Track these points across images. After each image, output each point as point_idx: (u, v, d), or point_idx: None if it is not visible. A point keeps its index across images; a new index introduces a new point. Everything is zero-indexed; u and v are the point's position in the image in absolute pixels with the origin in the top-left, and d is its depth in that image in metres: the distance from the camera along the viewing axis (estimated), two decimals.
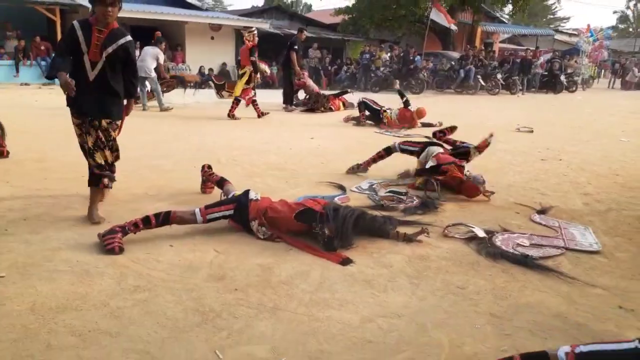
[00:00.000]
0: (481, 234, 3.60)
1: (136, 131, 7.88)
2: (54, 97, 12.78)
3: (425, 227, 3.57)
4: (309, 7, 53.38)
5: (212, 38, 20.06)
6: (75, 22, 3.56)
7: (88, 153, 3.70)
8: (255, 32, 9.70)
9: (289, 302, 2.57)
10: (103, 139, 3.67)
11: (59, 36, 16.52)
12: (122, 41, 3.59)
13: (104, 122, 3.65)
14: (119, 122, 3.82)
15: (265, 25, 21.01)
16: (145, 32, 18.49)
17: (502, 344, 2.27)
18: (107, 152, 3.71)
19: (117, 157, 3.83)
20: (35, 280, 2.69)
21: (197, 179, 4.56)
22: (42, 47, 16.31)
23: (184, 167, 5.47)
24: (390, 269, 3.03)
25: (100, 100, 3.61)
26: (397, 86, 9.94)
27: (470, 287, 2.84)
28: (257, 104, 9.99)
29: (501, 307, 2.62)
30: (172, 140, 7.25)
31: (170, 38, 18.16)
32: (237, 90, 9.77)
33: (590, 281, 2.96)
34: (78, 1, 16.09)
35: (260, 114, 10.00)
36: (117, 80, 3.66)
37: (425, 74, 18.98)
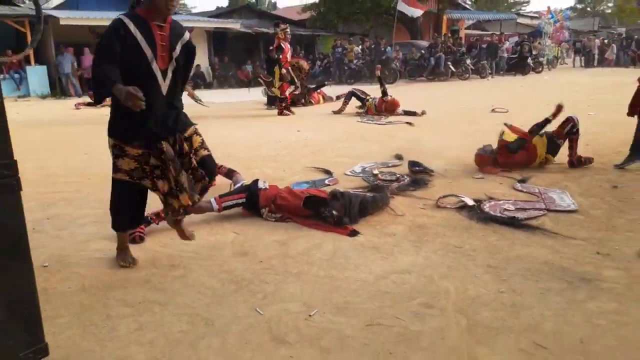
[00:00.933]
0: (470, 202, 3.97)
1: None
2: (34, 110, 12.82)
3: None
4: (273, 5, 53.46)
5: None
6: (122, 18, 2.57)
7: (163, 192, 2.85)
8: (287, 29, 9.93)
9: (310, 268, 2.89)
10: (189, 152, 2.80)
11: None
12: (186, 36, 2.79)
13: (189, 131, 2.84)
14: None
15: (237, 25, 21.18)
16: None
17: (499, 286, 2.63)
18: (183, 175, 2.80)
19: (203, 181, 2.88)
20: (76, 267, 2.95)
21: None
22: (14, 60, 16.18)
23: None
24: (394, 237, 3.37)
25: (175, 116, 2.80)
26: (378, 73, 10.30)
27: (466, 246, 3.20)
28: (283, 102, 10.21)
29: (495, 259, 2.98)
30: None
31: None
32: (275, 90, 10.04)
33: (571, 234, 3.36)
34: (47, 12, 16.02)
35: (281, 112, 10.16)
36: (182, 89, 2.89)
37: (397, 64, 19.44)
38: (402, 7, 20.36)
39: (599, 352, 2.04)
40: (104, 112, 11.69)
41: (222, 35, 21.67)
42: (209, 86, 19.89)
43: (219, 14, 26.58)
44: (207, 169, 2.86)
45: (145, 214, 3.50)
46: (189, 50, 2.81)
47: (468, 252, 3.11)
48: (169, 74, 2.70)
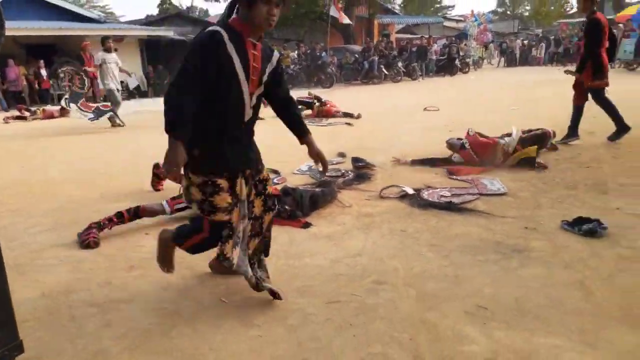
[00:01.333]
0: (411, 191, 4.26)
1: (72, 146, 7.93)
2: None
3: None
4: (205, 12, 52.91)
5: (116, 50, 19.62)
6: (218, 30, 2.14)
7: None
8: None
9: (269, 259, 3.03)
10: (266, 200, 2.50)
11: None
12: (276, 56, 2.42)
13: (265, 173, 2.53)
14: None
15: (170, 32, 20.90)
16: (44, 49, 17.83)
17: (442, 262, 2.89)
18: (268, 217, 2.55)
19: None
20: (34, 274, 2.95)
21: (145, 180, 4.87)
22: None
23: (129, 171, 5.71)
24: (344, 226, 3.58)
25: (252, 148, 2.46)
26: (309, 93, 10.75)
27: (410, 230, 3.46)
28: None
29: (437, 239, 3.26)
30: (109, 151, 7.37)
31: (72, 53, 17.67)
32: None
33: (502, 214, 3.70)
34: None
35: None
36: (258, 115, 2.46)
37: (332, 69, 19.87)
38: (334, 12, 20.86)
39: (531, 308, 2.33)
40: (35, 126, 11.33)
41: (155, 43, 21.30)
42: (144, 95, 19.48)
43: (150, 22, 26.07)
44: (270, 205, 2.56)
45: (98, 219, 3.55)
46: (277, 72, 2.42)
47: (412, 234, 3.37)
48: (254, 100, 2.34)
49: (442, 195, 4.17)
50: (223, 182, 2.28)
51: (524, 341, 2.06)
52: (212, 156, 2.25)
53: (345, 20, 21.60)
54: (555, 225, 3.38)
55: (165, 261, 2.64)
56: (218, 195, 2.27)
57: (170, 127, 2.07)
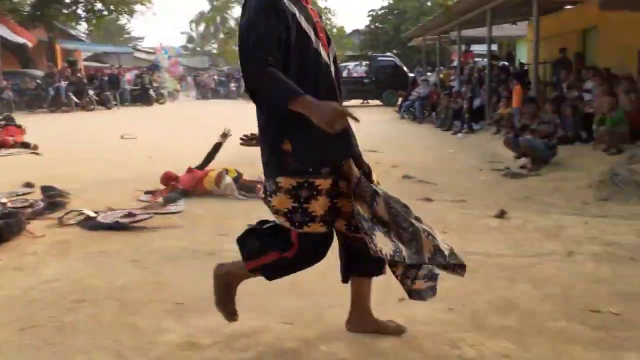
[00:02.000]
0: (92, 214, 4.30)
1: None
2: None
3: None
4: None
5: None
6: None
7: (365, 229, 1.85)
8: None
9: None
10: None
11: None
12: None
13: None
14: None
15: None
16: None
17: (144, 274, 3.07)
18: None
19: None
20: None
21: None
22: None
23: None
24: (36, 255, 3.44)
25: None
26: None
27: (111, 250, 3.56)
28: None
29: (138, 255, 3.42)
30: None
31: None
32: None
33: (195, 227, 4.09)
34: None
35: None
36: None
37: (9, 94, 17.57)
38: (5, 32, 18.57)
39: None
40: None
41: None
42: None
43: None
44: None
45: None
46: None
47: (112, 254, 3.45)
48: (331, 65, 1.93)
49: (116, 218, 4.25)
50: (323, 182, 1.87)
51: (217, 323, 2.38)
52: (316, 146, 1.82)
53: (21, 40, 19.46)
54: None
55: (228, 304, 2.15)
56: (315, 201, 1.86)
57: (287, 97, 1.72)
